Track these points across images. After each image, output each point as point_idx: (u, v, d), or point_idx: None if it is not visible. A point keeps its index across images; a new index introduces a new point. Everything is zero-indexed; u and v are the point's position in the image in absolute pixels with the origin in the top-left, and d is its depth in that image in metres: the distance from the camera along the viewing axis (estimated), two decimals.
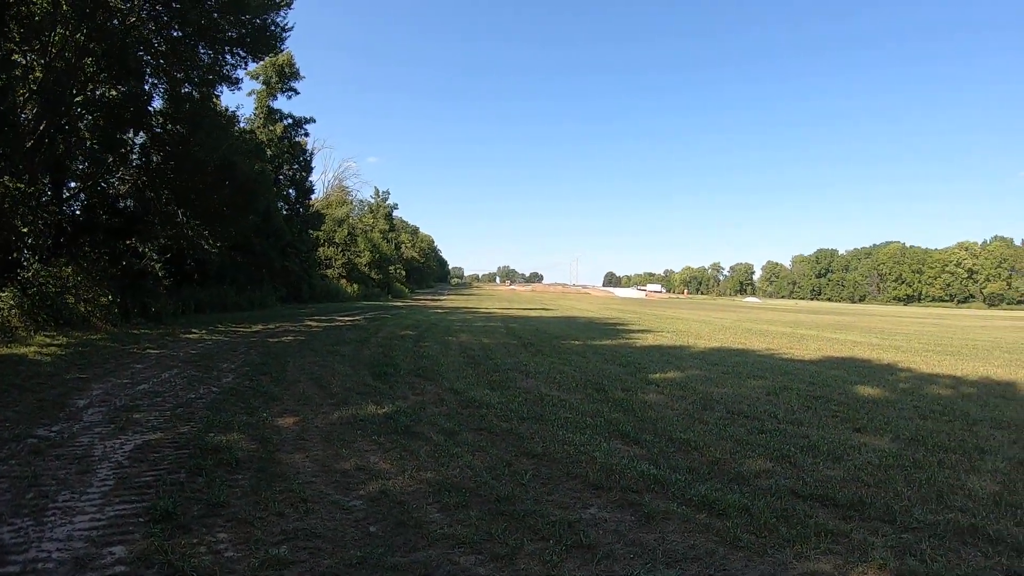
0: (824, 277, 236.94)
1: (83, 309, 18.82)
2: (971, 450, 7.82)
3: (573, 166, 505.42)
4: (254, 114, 45.85)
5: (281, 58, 43.33)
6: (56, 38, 19.64)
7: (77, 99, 21.21)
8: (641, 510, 5.52)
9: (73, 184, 24.15)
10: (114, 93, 22.37)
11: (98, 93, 22.38)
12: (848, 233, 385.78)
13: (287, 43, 24.85)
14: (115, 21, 20.06)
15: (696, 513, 5.47)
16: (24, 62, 19.97)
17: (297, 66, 46.10)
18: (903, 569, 4.50)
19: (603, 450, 7.30)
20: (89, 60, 20.53)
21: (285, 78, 45.72)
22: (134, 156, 24.59)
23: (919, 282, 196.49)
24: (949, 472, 6.87)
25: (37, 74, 19.88)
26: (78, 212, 24.73)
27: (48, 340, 15.33)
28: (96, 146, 22.86)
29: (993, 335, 35.05)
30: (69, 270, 19.66)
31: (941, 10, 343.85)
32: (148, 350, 15.09)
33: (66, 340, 15.64)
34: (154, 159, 24.22)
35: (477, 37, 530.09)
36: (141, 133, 24.12)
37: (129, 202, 25.20)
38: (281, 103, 47.48)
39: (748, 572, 4.48)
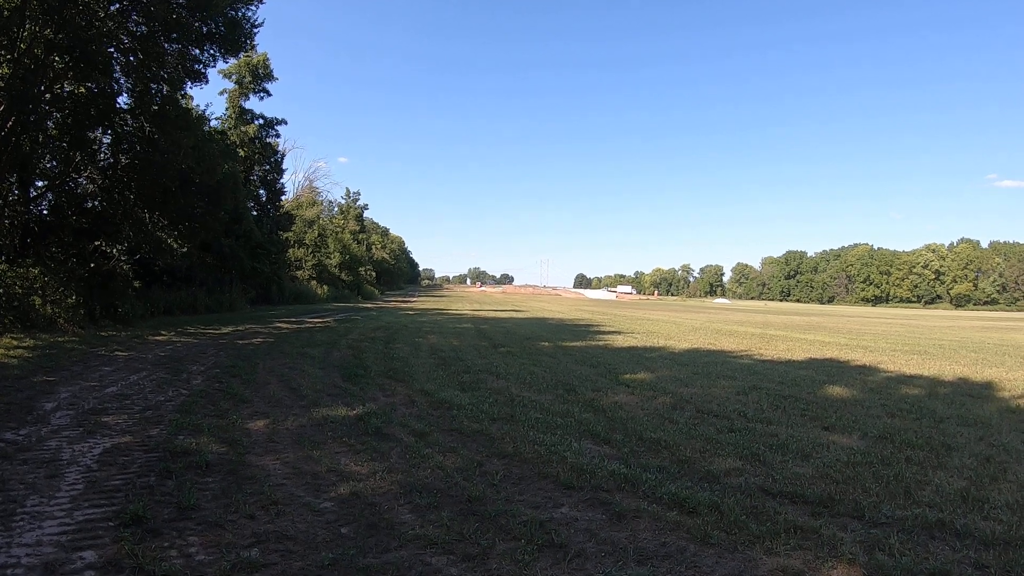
0: (793, 278, 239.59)
1: (50, 311, 18.55)
2: (938, 447, 7.93)
3: (544, 167, 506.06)
4: (226, 114, 45.47)
5: (256, 58, 43.06)
6: (25, 34, 19.31)
7: (45, 96, 20.87)
8: (612, 509, 5.54)
9: (40, 183, 23.82)
10: (82, 90, 22.06)
11: (67, 90, 22.06)
12: (817, 235, 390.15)
13: (262, 44, 24.62)
14: (83, 16, 19.77)
15: (667, 511, 5.50)
16: None
17: (271, 67, 45.81)
18: (872, 564, 4.56)
19: (574, 450, 7.32)
20: (57, 57, 20.23)
21: (259, 79, 45.38)
22: (102, 155, 24.25)
23: (887, 283, 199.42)
24: (917, 468, 6.97)
25: (4, 70, 19.57)
26: (45, 212, 24.41)
27: (14, 342, 15.12)
28: (64, 144, 22.54)
29: (960, 335, 35.51)
30: (36, 271, 19.38)
31: (908, 10, 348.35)
32: (116, 352, 14.92)
33: (33, 342, 15.42)
34: (122, 158, 23.90)
35: (446, 34, 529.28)
36: (109, 131, 23.78)
37: (97, 202, 24.85)
38: (253, 103, 47.20)
39: (719, 569, 4.51)
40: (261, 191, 48.78)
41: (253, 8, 23.77)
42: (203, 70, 23.93)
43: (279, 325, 26.06)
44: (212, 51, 23.39)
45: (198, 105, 30.24)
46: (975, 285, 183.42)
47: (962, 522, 5.33)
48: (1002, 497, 6.07)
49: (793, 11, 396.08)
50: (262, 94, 46.13)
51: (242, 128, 45.50)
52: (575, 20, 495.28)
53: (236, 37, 23.59)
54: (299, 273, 60.97)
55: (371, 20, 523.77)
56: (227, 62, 30.11)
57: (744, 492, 6.01)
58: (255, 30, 24.44)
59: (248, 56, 37.28)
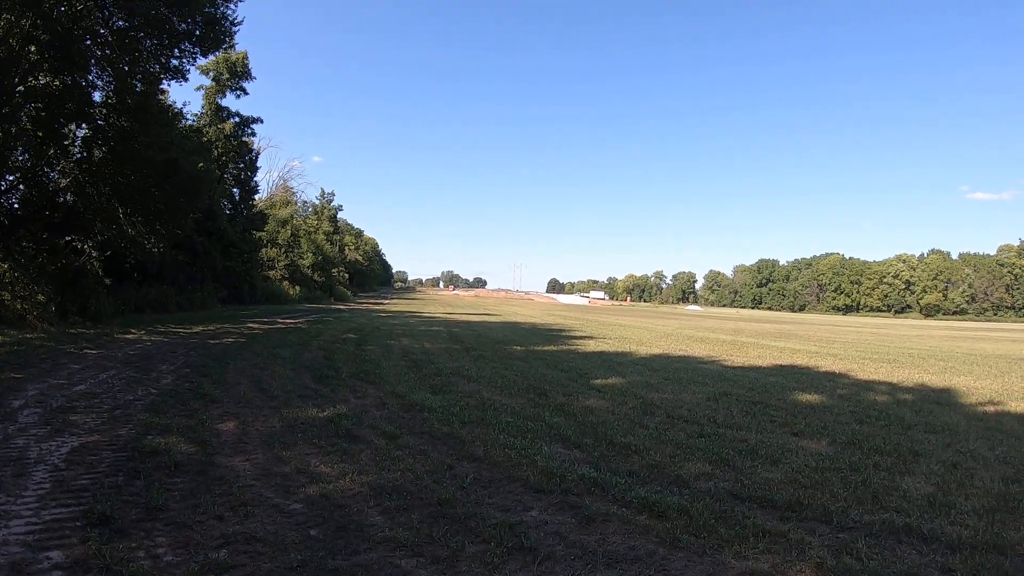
0: (765, 287, 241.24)
1: (19, 307, 18.31)
2: (906, 453, 8.02)
3: (519, 171, 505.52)
4: (202, 111, 45.06)
5: (235, 56, 42.75)
6: (1, 23, 19.02)
7: (19, 88, 20.55)
8: (582, 512, 5.57)
9: (11, 176, 23.40)
10: (57, 83, 21.75)
11: (42, 82, 21.75)
12: (789, 244, 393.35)
13: (241, 42, 24.42)
14: (61, 8, 19.53)
15: (636, 515, 5.53)
16: None
17: (250, 66, 45.51)
18: (840, 567, 4.62)
19: (544, 454, 7.33)
20: (33, 48, 19.96)
21: (237, 76, 45.03)
22: (76, 149, 23.93)
23: (857, 292, 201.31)
24: (884, 474, 7.05)
25: None
26: (16, 205, 23.99)
27: None
28: (37, 137, 22.21)
29: (928, 344, 35.90)
30: (5, 266, 19.13)
31: (885, 25, 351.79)
32: (86, 350, 14.76)
33: (1, 339, 15.19)
34: (96, 153, 23.59)
35: (420, 37, 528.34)
36: (84, 125, 23.47)
37: (69, 196, 24.49)
38: (229, 101, 46.90)
39: (688, 572, 4.55)
40: (235, 189, 48.52)
41: (232, 7, 23.63)
42: (183, 67, 23.74)
43: (250, 325, 25.92)
44: (191, 48, 23.18)
45: (174, 102, 29.96)
46: (945, 295, 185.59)
47: (929, 527, 5.41)
48: (969, 503, 6.16)
49: (771, 23, 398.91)
50: (239, 92, 45.87)
51: (218, 125, 45.17)
52: (560, 26, 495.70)
53: (217, 35, 23.41)
54: (271, 273, 60.62)
55: (355, 22, 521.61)
56: (205, 58, 29.89)
57: (713, 496, 6.05)
58: (234, 28, 24.29)
59: (227, 53, 36.98)
